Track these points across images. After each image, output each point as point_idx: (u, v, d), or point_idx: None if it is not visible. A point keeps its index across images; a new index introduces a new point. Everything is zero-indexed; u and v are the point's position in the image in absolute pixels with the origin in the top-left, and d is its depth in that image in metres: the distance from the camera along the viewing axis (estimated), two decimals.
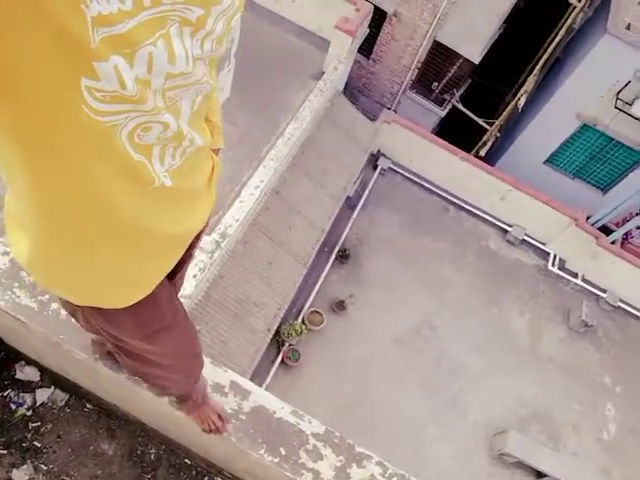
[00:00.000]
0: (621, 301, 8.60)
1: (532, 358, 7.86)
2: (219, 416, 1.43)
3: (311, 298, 7.36)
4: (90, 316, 0.98)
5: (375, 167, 9.01)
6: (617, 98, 7.88)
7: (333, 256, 7.84)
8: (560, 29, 7.45)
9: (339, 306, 7.41)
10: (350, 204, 8.48)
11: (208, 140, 0.83)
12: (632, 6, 7.58)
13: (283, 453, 1.35)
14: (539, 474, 6.72)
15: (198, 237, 1.03)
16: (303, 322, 7.09)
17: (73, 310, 1.07)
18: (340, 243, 7.99)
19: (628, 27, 7.70)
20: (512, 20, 10.78)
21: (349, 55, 7.63)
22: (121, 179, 0.67)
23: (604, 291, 8.60)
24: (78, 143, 0.60)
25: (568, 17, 7.27)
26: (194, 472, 1.77)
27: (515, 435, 6.65)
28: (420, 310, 7.78)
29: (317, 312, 7.23)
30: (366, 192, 8.67)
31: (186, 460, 1.77)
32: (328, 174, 7.49)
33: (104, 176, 0.65)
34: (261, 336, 5.89)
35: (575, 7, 7.06)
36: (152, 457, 1.76)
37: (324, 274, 7.63)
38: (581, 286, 8.63)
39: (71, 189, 0.66)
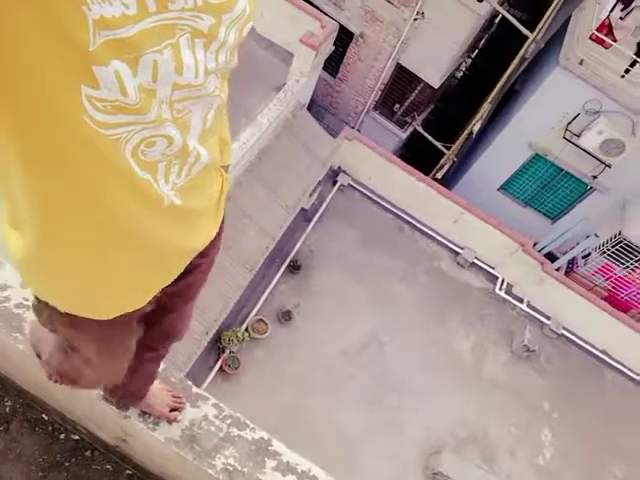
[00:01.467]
0: (564, 329, 8.82)
1: (474, 379, 7.93)
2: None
3: (258, 306, 7.29)
4: (57, 316, 0.90)
5: (335, 183, 9.11)
6: (566, 129, 8.25)
7: (284, 266, 7.82)
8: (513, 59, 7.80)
9: (285, 316, 7.36)
10: (306, 217, 8.52)
11: (217, 158, 0.81)
12: (584, 41, 8.03)
13: None
14: None
15: (209, 258, 1.01)
16: (247, 330, 6.99)
17: (40, 305, 0.97)
18: (292, 254, 7.99)
19: (581, 62, 8.13)
20: (476, 50, 11.26)
21: (312, 69, 7.77)
22: (128, 194, 0.65)
23: (548, 318, 8.80)
24: (78, 153, 0.58)
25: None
26: (50, 428, 1.69)
27: (449, 456, 6.65)
28: (367, 325, 7.79)
29: (262, 320, 7.16)
30: (323, 206, 8.73)
31: (43, 415, 1.70)
32: (283, 183, 7.53)
33: (108, 189, 0.63)
34: (198, 338, 5.78)
35: (528, 38, 7.41)
36: (7, 410, 1.68)
37: (273, 283, 7.59)
38: (526, 311, 8.82)
39: (75, 199, 0.64)
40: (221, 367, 6.60)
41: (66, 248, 0.73)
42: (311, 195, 8.21)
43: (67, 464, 1.72)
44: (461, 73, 13.75)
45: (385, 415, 7.14)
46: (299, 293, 7.69)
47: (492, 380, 8.02)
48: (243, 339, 6.72)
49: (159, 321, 1.10)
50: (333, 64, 9.52)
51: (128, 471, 1.80)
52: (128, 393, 1.33)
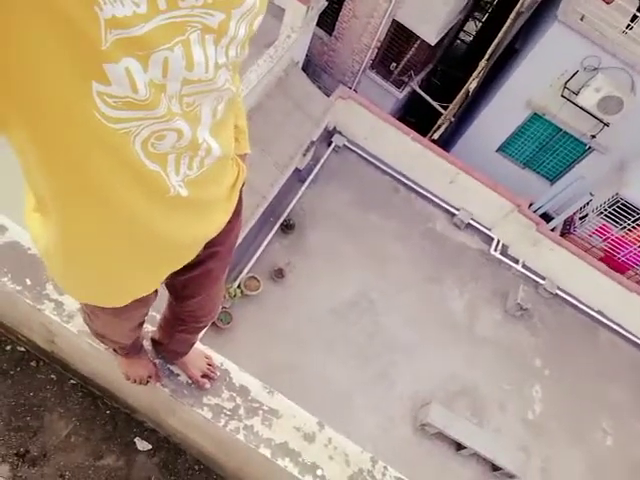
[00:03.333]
0: (559, 289, 8.83)
1: (466, 337, 8.03)
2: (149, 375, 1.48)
3: (250, 264, 7.38)
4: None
5: (330, 143, 9.06)
6: (565, 87, 8.06)
7: (277, 226, 7.87)
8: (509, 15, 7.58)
9: (278, 274, 7.45)
10: (300, 177, 8.51)
11: (230, 150, 0.82)
12: None
13: (28, 283, 1.39)
14: (459, 446, 6.88)
15: (226, 246, 1.04)
16: (239, 287, 7.11)
17: None
18: (286, 214, 8.02)
19: (582, 18, 7.88)
20: (477, 12, 10.93)
21: (304, 25, 7.63)
22: (136, 186, 0.66)
23: (543, 278, 8.81)
24: (91, 149, 0.59)
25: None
26: None
27: (437, 407, 6.78)
28: (360, 283, 7.87)
29: (254, 278, 7.26)
30: (317, 167, 8.71)
31: None
32: (275, 142, 7.50)
33: (119, 182, 0.65)
34: None
35: None
36: None
37: (266, 242, 7.66)
38: (521, 272, 8.82)
39: (85, 191, 0.66)
40: (213, 321, 6.75)
41: (79, 238, 0.76)
42: (305, 155, 8.18)
43: (12, 372, 1.82)
44: (467, 36, 13.45)
45: (376, 370, 7.29)
46: (292, 252, 7.77)
47: (484, 337, 8.11)
48: (235, 295, 6.84)
49: (185, 303, 1.18)
50: (328, 21, 9.33)
51: (72, 381, 1.90)
52: (168, 350, 1.50)
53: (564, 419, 7.84)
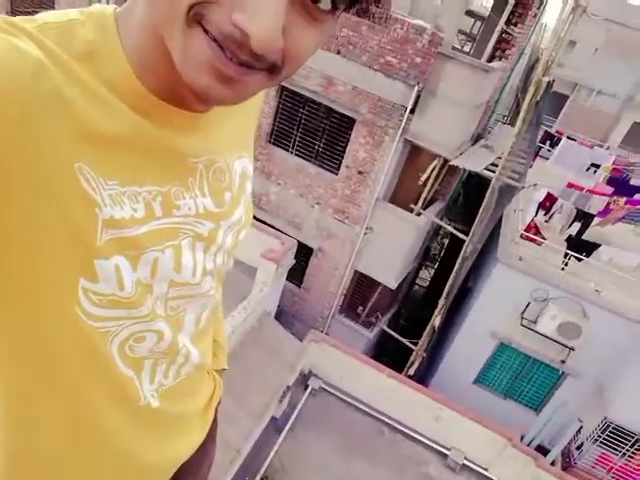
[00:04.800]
0: None
1: None
2: None
3: None
4: None
5: (306, 387, 8.92)
6: (522, 317, 8.63)
7: None
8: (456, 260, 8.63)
9: None
10: (277, 426, 8.08)
11: (209, 361, 0.80)
12: (516, 240, 9.02)
13: None
14: None
15: (200, 475, 0.92)
16: None
17: None
18: (263, 470, 7.31)
19: (520, 259, 9.00)
20: (426, 259, 12.41)
21: (275, 280, 8.41)
22: (106, 391, 0.61)
23: None
24: (62, 344, 0.56)
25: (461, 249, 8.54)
26: None
27: None
28: None
29: None
30: (295, 413, 8.36)
31: None
32: (249, 391, 7.36)
33: (86, 386, 0.59)
34: None
35: (464, 241, 8.37)
36: None
37: None
38: None
39: (46, 391, 0.58)
40: None
41: (35, 454, 0.64)
42: (281, 401, 7.95)
43: None
44: (424, 282, 14.96)
45: None
46: None
47: None
48: None
49: None
50: (297, 275, 10.30)
51: None
52: None
53: None
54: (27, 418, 0.60)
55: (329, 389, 8.94)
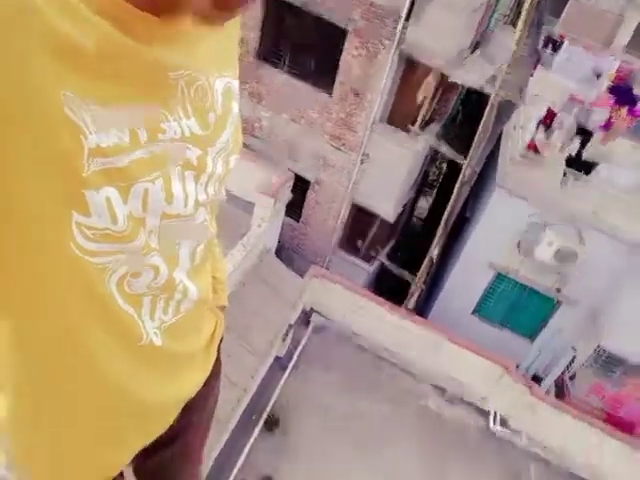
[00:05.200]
0: (568, 460, 8.05)
1: None
2: None
3: (235, 469, 6.46)
4: None
5: (308, 324, 8.87)
6: (519, 245, 8.50)
7: (261, 423, 7.15)
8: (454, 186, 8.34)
9: None
10: (281, 365, 8.07)
11: (208, 296, 0.79)
12: (516, 161, 8.70)
13: None
14: None
15: (205, 412, 0.95)
16: None
17: None
18: (269, 408, 7.36)
19: (519, 182, 8.70)
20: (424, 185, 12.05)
21: (274, 215, 8.02)
22: (106, 331, 0.61)
23: (551, 451, 8.07)
24: (60, 282, 0.55)
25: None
26: None
27: None
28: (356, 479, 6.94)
29: None
30: (298, 351, 8.35)
31: None
32: (253, 330, 7.23)
33: (88, 325, 0.59)
34: None
35: (462, 165, 8.05)
36: None
37: (250, 443, 6.84)
38: (527, 446, 8.10)
39: (49, 335, 0.59)
40: None
41: (39, 401, 0.66)
42: (284, 340, 7.89)
43: None
44: (422, 213, 14.72)
45: None
46: (279, 454, 6.91)
47: None
48: None
49: None
50: (296, 210, 9.92)
51: None
52: None
53: None
54: (28, 358, 0.62)
55: (331, 325, 8.91)
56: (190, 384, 0.82)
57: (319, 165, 9.33)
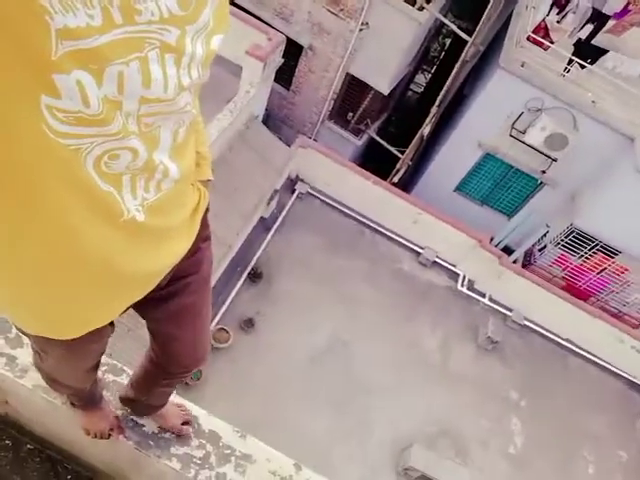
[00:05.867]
0: (527, 319, 8.99)
1: (442, 375, 8.00)
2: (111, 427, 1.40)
3: (218, 316, 7.25)
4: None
5: (293, 191, 9.22)
6: (512, 128, 8.55)
7: (245, 275, 7.83)
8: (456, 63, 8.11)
9: (247, 324, 7.34)
10: (266, 226, 8.58)
11: (190, 174, 0.80)
12: (523, 43, 8.39)
13: None
14: None
15: (199, 275, 0.98)
16: None
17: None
18: (253, 263, 8.01)
19: (522, 65, 8.49)
20: (423, 62, 11.62)
21: (262, 81, 7.93)
22: (86, 208, 0.63)
23: (510, 310, 8.98)
24: (37, 164, 0.56)
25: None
26: None
27: (418, 449, 6.65)
28: (332, 328, 7.82)
29: (224, 329, 7.13)
30: (282, 214, 8.81)
31: None
32: (239, 193, 7.59)
33: (67, 203, 0.61)
34: None
35: (467, 42, 7.74)
36: None
37: (234, 292, 7.58)
38: (489, 305, 8.97)
39: (29, 213, 0.62)
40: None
41: (25, 266, 0.70)
42: (269, 203, 8.29)
43: None
44: (418, 88, 14.25)
45: (354, 417, 7.13)
46: (261, 300, 7.70)
47: (459, 374, 8.11)
48: None
49: (168, 348, 1.09)
50: (286, 77, 9.72)
51: (29, 445, 1.80)
52: (144, 406, 1.39)
53: (545, 450, 7.80)
54: (6, 230, 0.64)
55: (315, 193, 9.27)
56: (173, 254, 0.84)
57: (314, 31, 8.94)
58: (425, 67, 13.75)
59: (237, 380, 6.88)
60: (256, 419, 6.56)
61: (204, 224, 0.94)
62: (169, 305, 0.96)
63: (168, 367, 1.15)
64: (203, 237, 0.95)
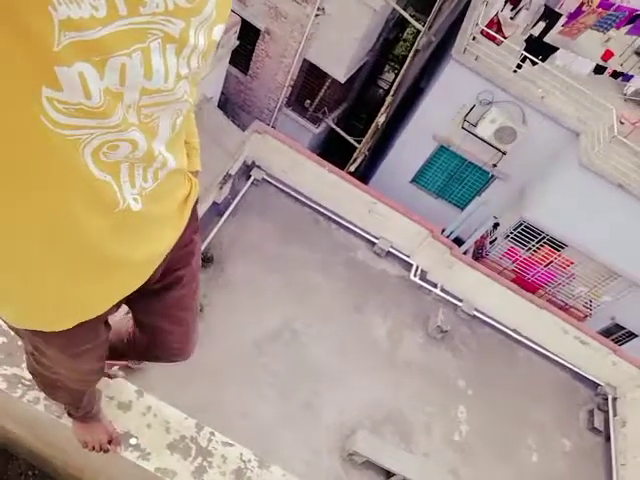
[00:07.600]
0: (477, 310, 9.16)
1: (390, 362, 8.04)
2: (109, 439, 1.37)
3: None
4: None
5: (249, 177, 9.09)
6: (464, 120, 8.70)
7: None
8: (409, 53, 8.18)
9: None
10: (218, 211, 8.42)
11: (184, 164, 0.81)
12: (475, 36, 8.55)
13: None
14: (389, 474, 6.72)
15: (190, 267, 1.00)
16: None
17: None
18: (203, 247, 7.84)
19: (476, 58, 8.65)
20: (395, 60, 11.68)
21: (216, 61, 7.79)
22: (82, 197, 0.62)
23: (461, 300, 9.12)
24: (33, 153, 0.56)
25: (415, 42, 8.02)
26: None
27: (364, 435, 6.65)
28: (282, 314, 7.74)
29: None
30: (236, 200, 8.67)
31: None
32: None
33: (63, 192, 0.61)
34: None
35: (420, 32, 7.82)
36: None
37: None
38: (440, 295, 9.09)
39: (23, 202, 0.61)
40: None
41: (17, 255, 0.69)
42: (221, 188, 8.14)
43: None
44: (386, 85, 14.33)
45: (300, 402, 7.08)
46: (210, 285, 7.54)
47: (408, 362, 8.17)
48: None
49: (156, 341, 1.12)
50: (243, 61, 9.60)
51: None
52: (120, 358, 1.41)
53: (490, 438, 7.94)
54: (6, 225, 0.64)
55: (271, 180, 9.17)
56: (163, 243, 0.85)
57: (271, 14, 8.86)
58: (395, 65, 13.85)
59: (183, 364, 6.69)
60: (202, 403, 6.42)
61: (194, 215, 0.95)
62: (162, 299, 0.99)
63: (154, 356, 1.22)
64: (194, 228, 0.97)
